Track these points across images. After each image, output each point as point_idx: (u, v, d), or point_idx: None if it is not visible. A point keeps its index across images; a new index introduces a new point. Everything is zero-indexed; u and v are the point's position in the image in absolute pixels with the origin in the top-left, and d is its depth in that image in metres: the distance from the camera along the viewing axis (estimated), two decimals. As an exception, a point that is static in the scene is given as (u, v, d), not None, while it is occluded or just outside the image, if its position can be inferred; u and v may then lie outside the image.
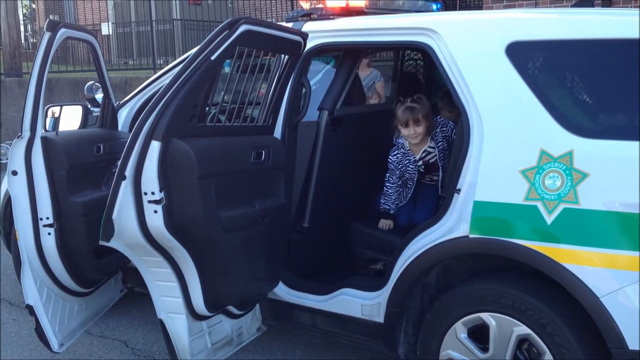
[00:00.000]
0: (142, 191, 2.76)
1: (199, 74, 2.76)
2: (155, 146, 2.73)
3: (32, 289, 3.35)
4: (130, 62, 14.58)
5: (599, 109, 2.70)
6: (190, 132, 2.87)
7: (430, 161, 3.77)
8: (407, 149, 3.77)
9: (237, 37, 2.82)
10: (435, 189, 3.83)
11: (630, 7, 8.88)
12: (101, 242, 2.82)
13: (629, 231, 2.50)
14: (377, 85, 6.17)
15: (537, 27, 2.92)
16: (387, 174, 3.82)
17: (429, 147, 3.76)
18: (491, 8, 10.00)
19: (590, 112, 2.75)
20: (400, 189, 3.86)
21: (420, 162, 3.78)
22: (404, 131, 3.68)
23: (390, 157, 3.82)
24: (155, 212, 2.77)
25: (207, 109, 3.05)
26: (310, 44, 3.43)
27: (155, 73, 11.57)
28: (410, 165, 3.78)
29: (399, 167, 3.78)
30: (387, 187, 3.84)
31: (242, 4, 16.09)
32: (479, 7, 11.56)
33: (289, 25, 3.53)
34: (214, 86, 2.98)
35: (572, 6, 3.57)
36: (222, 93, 3.26)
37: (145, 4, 13.95)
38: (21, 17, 18.15)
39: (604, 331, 2.53)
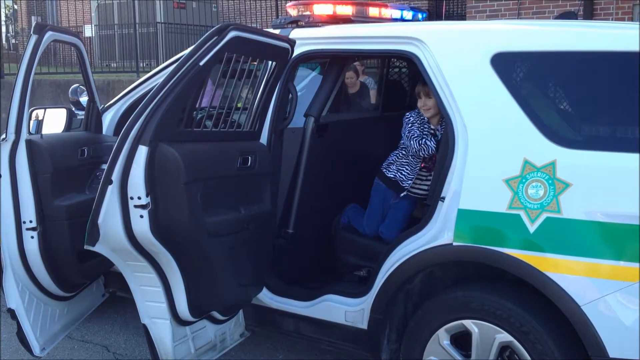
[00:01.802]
0: (129, 196, 2.76)
1: (187, 79, 2.77)
2: (142, 151, 2.73)
3: (14, 292, 3.33)
4: (113, 65, 14.50)
5: (581, 120, 2.75)
6: (177, 137, 2.87)
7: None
8: (427, 119, 3.71)
9: (225, 43, 2.83)
10: (410, 201, 3.83)
11: (611, 19, 9.02)
12: (86, 247, 2.81)
13: (610, 240, 2.55)
14: (371, 92, 6.22)
15: (522, 39, 2.97)
16: (406, 136, 3.68)
17: (438, 130, 3.70)
18: (474, 18, 10.11)
19: (573, 123, 2.80)
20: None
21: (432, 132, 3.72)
22: (418, 103, 3.70)
23: (405, 115, 3.77)
24: (141, 216, 2.77)
25: (194, 113, 3.06)
26: (297, 51, 3.44)
27: (138, 76, 11.52)
28: (425, 125, 3.71)
29: (417, 120, 3.70)
30: (412, 144, 3.65)
31: (227, 8, 16.10)
32: (463, 18, 11.68)
33: (277, 31, 3.55)
34: (202, 91, 2.99)
35: (556, 18, 3.63)
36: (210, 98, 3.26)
37: (129, 7, 13.88)
38: (3, 18, 18.00)
39: (585, 339, 2.56)
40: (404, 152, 3.80)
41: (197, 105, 3.00)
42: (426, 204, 3.20)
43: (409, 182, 3.78)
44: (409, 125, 3.73)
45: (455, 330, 2.92)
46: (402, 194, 3.79)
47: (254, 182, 3.30)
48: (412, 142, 3.67)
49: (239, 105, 3.40)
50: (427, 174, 3.79)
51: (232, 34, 2.85)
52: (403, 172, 3.79)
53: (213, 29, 2.86)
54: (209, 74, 2.95)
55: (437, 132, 3.69)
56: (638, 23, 2.95)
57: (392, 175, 3.82)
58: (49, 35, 3.29)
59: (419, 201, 3.85)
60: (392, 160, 3.86)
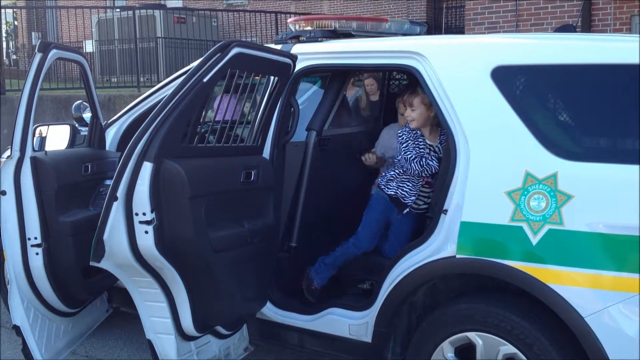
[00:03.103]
0: (134, 212, 2.78)
1: (191, 96, 2.80)
2: (147, 167, 2.75)
3: (20, 309, 3.34)
4: (113, 80, 14.57)
5: (582, 132, 2.77)
6: (181, 153, 2.89)
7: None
8: (420, 133, 3.65)
9: (228, 60, 2.87)
10: (413, 218, 3.80)
11: (609, 30, 9.07)
12: (92, 263, 2.83)
13: (612, 252, 2.56)
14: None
15: (522, 52, 3.00)
16: (404, 159, 3.60)
17: (436, 146, 3.66)
18: (473, 30, 10.16)
19: (573, 135, 2.82)
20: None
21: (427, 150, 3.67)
22: (406, 111, 3.66)
23: (399, 133, 3.71)
24: (146, 232, 2.79)
25: (198, 128, 3.09)
26: (299, 66, 3.47)
27: (139, 91, 11.52)
28: (419, 139, 3.64)
29: (410, 137, 3.63)
30: (413, 167, 3.57)
31: (227, 22, 16.19)
32: (462, 30, 11.74)
33: (278, 47, 3.58)
34: (206, 107, 3.02)
35: (555, 31, 3.65)
36: (214, 113, 3.30)
37: (129, 22, 13.97)
38: (3, 34, 18.07)
39: (588, 350, 2.58)
40: (403, 170, 3.71)
41: (200, 121, 3.02)
42: (429, 217, 3.21)
43: (412, 198, 3.73)
44: (404, 145, 3.63)
45: (460, 343, 2.92)
46: (405, 211, 3.77)
47: (257, 197, 3.32)
48: (412, 165, 3.58)
49: (243, 118, 3.43)
50: (429, 191, 3.73)
51: (235, 50, 2.88)
52: (404, 189, 3.74)
53: (216, 46, 2.89)
54: (213, 90, 2.98)
55: (435, 148, 3.65)
56: (637, 35, 2.98)
57: (392, 193, 3.76)
58: (53, 53, 3.32)
59: (421, 216, 3.79)
60: (391, 177, 3.77)
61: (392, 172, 3.79)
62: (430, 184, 3.72)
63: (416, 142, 3.64)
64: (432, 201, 3.31)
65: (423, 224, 3.71)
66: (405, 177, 3.73)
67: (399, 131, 3.73)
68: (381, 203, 3.81)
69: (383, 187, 3.81)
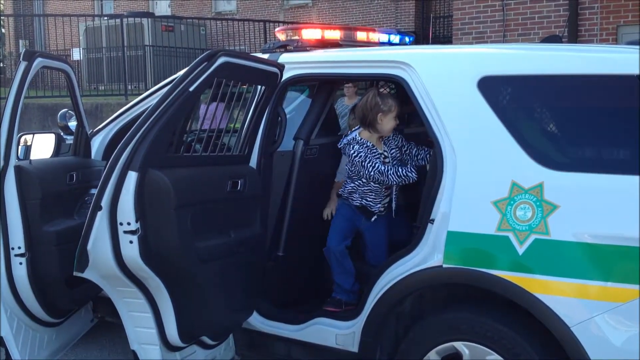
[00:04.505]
0: (118, 221, 2.76)
1: (177, 105, 2.79)
2: (132, 176, 2.73)
3: (3, 319, 3.30)
4: (101, 88, 14.52)
5: (568, 142, 2.78)
6: (167, 163, 2.88)
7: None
8: (371, 144, 3.59)
9: (215, 69, 2.86)
10: (383, 221, 3.75)
11: (595, 40, 9.14)
12: (76, 273, 2.80)
13: (598, 262, 2.57)
14: None
15: (509, 63, 3.01)
16: (378, 172, 3.49)
17: (385, 150, 3.67)
18: (460, 40, 10.21)
19: (559, 145, 2.83)
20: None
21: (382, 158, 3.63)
22: (392, 123, 3.57)
23: (351, 151, 3.56)
24: (131, 242, 2.77)
25: (184, 137, 3.07)
26: (286, 75, 3.47)
27: (126, 99, 11.49)
28: (373, 150, 3.59)
29: (367, 152, 3.54)
30: (391, 179, 3.47)
31: (215, 30, 16.20)
32: (449, 40, 11.80)
33: (266, 56, 3.58)
34: (192, 117, 3.00)
35: (542, 41, 3.67)
36: (200, 122, 3.29)
37: (117, 30, 13.96)
38: (-10, 41, 18.00)
39: (575, 360, 2.58)
40: (364, 181, 3.62)
41: (186, 131, 3.01)
42: (415, 226, 3.21)
43: (378, 206, 3.69)
44: (367, 161, 3.51)
45: (446, 353, 2.92)
46: (373, 219, 3.71)
47: (243, 206, 3.30)
48: (390, 176, 3.48)
49: (230, 126, 3.42)
50: (387, 193, 3.71)
51: (221, 59, 2.88)
52: (368, 199, 3.67)
53: (203, 55, 2.88)
54: (199, 100, 2.97)
55: (385, 153, 3.64)
56: (622, 46, 3.00)
57: (358, 204, 3.69)
58: (38, 62, 3.30)
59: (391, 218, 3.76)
60: (352, 189, 3.67)
61: (352, 185, 3.68)
62: (388, 187, 3.69)
63: (373, 153, 3.59)
64: (419, 210, 3.31)
65: (396, 226, 3.73)
66: (366, 188, 3.65)
67: (352, 150, 3.56)
68: (347, 209, 3.73)
69: (346, 198, 3.74)
